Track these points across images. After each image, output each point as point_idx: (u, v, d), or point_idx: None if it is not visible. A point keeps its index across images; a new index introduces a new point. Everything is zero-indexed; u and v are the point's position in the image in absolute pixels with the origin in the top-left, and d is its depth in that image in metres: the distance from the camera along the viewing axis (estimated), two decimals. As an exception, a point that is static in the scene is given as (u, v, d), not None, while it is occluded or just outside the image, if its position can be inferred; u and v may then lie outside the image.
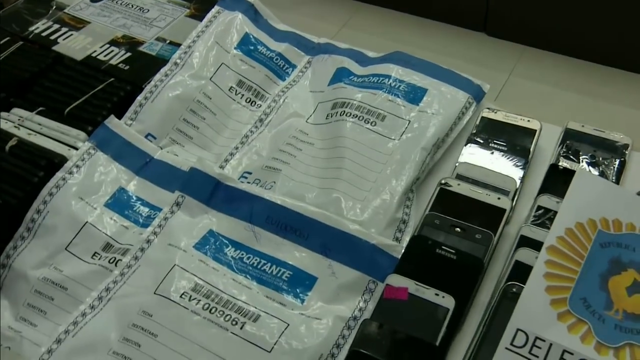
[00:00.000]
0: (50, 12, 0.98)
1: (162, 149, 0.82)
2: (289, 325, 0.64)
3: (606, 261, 0.65)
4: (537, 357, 0.60)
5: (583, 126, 0.82)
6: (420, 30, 2.06)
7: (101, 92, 0.84)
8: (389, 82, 0.85)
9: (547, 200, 0.72)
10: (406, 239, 0.71)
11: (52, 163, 0.75)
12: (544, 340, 0.60)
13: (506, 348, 0.61)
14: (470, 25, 2.13)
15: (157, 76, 0.86)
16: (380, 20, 2.08)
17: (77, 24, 0.96)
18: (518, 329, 0.61)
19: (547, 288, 0.63)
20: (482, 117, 0.84)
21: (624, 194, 0.70)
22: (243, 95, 0.89)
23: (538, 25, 2.01)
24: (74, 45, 0.92)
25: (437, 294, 0.65)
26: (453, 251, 0.68)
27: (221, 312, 0.65)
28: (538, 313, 0.62)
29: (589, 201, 0.68)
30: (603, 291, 0.63)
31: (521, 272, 0.66)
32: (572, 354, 0.60)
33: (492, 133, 0.82)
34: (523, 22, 2.04)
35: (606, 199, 0.68)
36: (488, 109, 0.85)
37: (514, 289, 0.64)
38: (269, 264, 0.70)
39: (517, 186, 0.76)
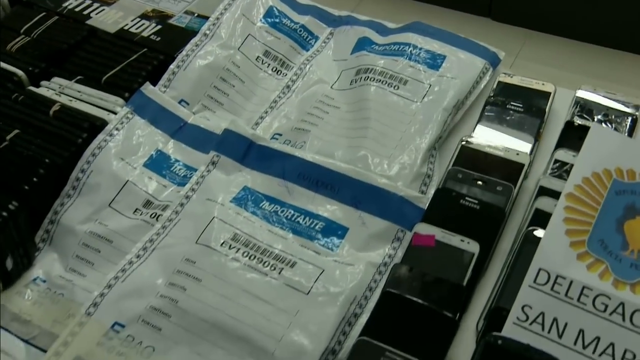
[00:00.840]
0: (82, -12, 1.02)
1: (194, 114, 0.86)
2: (324, 270, 0.69)
3: (621, 207, 0.69)
4: (558, 293, 0.64)
5: (595, 89, 0.86)
6: (426, 16, 2.09)
7: (135, 61, 0.88)
8: (409, 50, 0.89)
9: (564, 154, 0.76)
10: (431, 192, 0.76)
11: (94, 126, 0.80)
12: (564, 278, 0.65)
13: (529, 286, 0.65)
14: (476, 11, 2.18)
15: (188, 46, 0.90)
16: (387, 7, 2.13)
17: (109, 0, 1.00)
18: (540, 269, 0.65)
19: (566, 231, 0.67)
20: (499, 81, 0.88)
21: (638, 146, 0.74)
22: (269, 64, 0.93)
23: (542, 9, 2.05)
24: (106, 20, 0.96)
25: (462, 240, 0.69)
26: (476, 201, 0.73)
27: (260, 259, 0.69)
28: (558, 254, 0.66)
29: (604, 153, 0.72)
30: (619, 234, 0.67)
31: (541, 219, 0.70)
32: (591, 289, 0.64)
33: (509, 95, 0.86)
34: (527, 7, 2.08)
35: (620, 151, 0.72)
36: (504, 73, 0.89)
37: (535, 233, 0.69)
38: (302, 216, 0.74)
39: (532, 146, 0.80)
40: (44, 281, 0.73)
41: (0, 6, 0.98)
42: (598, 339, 0.62)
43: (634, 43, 1.95)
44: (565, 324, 0.63)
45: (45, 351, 0.65)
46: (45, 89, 0.85)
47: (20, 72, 0.87)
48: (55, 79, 0.86)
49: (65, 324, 0.67)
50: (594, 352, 0.61)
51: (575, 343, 0.62)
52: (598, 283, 0.64)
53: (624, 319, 0.62)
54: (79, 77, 0.86)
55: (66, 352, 0.64)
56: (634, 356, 0.60)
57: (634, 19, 1.88)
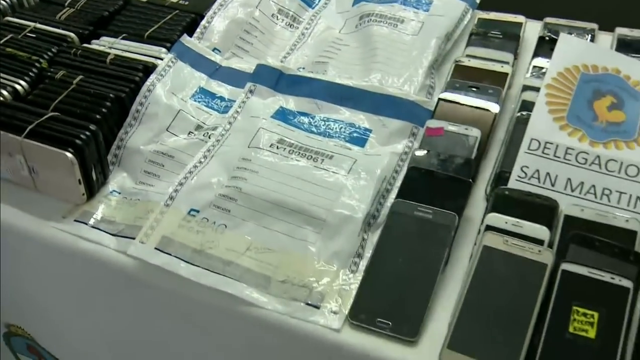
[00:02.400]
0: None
1: (227, 60, 1.01)
2: (356, 160, 0.84)
3: (590, 91, 0.86)
4: (548, 155, 0.80)
5: (558, 19, 1.04)
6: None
7: (170, 20, 1.03)
8: (402, -2, 1.06)
9: (540, 61, 0.93)
10: (435, 99, 0.91)
11: (147, 67, 0.93)
12: (552, 143, 0.81)
13: (525, 152, 0.81)
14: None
15: (214, 6, 1.05)
16: None
17: (135, -24, 1.14)
18: (532, 138, 0.82)
19: (549, 110, 0.84)
20: (479, 18, 1.06)
21: (598, 48, 0.92)
22: (283, 19, 1.09)
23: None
24: (136, -8, 1.11)
25: (466, 129, 0.85)
26: (474, 104, 0.89)
27: (303, 154, 0.84)
28: (545, 126, 0.82)
29: (572, 53, 0.90)
30: (590, 110, 0.84)
31: (528, 106, 0.86)
32: (573, 149, 0.80)
33: (489, 27, 1.03)
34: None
35: (584, 52, 0.90)
36: (483, 12, 1.06)
37: (524, 115, 0.85)
38: (332, 124, 0.89)
39: (513, 60, 0.97)
40: (119, 193, 0.86)
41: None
42: (582, 183, 0.78)
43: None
44: (556, 176, 0.79)
45: (133, 239, 0.78)
46: (97, 46, 0.99)
47: (72, 35, 1.00)
48: (104, 38, 1.00)
49: (147, 218, 0.80)
50: (580, 192, 0.77)
51: (565, 188, 0.78)
52: (578, 144, 0.81)
53: (600, 167, 0.79)
54: (124, 35, 1.00)
55: (154, 233, 0.78)
56: (610, 192, 0.77)
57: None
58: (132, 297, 0.81)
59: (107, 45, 0.99)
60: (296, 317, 0.71)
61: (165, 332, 0.82)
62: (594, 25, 1.03)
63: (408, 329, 0.68)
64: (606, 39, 1.01)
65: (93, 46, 0.99)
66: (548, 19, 1.04)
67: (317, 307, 0.71)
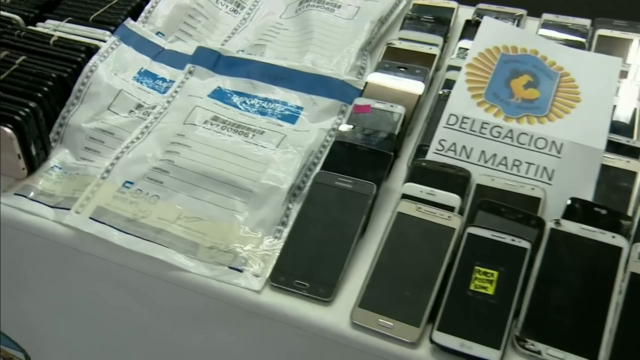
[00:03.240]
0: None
1: (170, 43, 1.04)
2: (286, 135, 0.88)
3: (508, 71, 0.91)
4: (464, 129, 0.85)
5: (490, 5, 1.09)
6: None
7: (116, 5, 1.06)
8: (341, -16, 1.11)
9: (465, 43, 0.98)
10: (365, 79, 0.96)
11: (89, 49, 0.97)
12: (468, 118, 0.86)
13: (443, 127, 0.86)
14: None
15: (160, -9, 1.09)
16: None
17: (84, -36, 1.18)
18: (451, 114, 0.87)
19: (468, 88, 0.89)
20: (414, 3, 1.10)
21: (518, 30, 0.97)
22: (228, 5, 1.12)
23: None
24: (85, -22, 1.14)
25: (391, 106, 0.90)
26: (400, 80, 0.93)
27: (235, 130, 0.88)
28: (463, 103, 0.87)
29: (494, 35, 0.94)
30: (507, 88, 0.89)
31: (450, 85, 0.91)
32: (488, 123, 0.85)
33: (423, 12, 1.07)
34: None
35: (505, 34, 0.95)
36: (418, -2, 1.11)
37: (446, 93, 0.90)
38: (266, 102, 0.93)
39: (442, 43, 1.01)
40: (60, 168, 0.89)
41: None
42: (495, 155, 0.83)
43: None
44: (471, 149, 0.84)
45: (70, 209, 0.82)
46: (42, 28, 1.02)
47: (17, 17, 1.03)
48: (49, 21, 1.03)
49: (84, 191, 0.84)
50: (492, 164, 0.82)
51: (479, 160, 0.83)
52: (493, 119, 0.86)
53: (512, 140, 0.84)
54: (69, 19, 1.04)
55: (89, 204, 0.82)
56: (520, 163, 0.82)
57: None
58: (70, 266, 0.84)
59: (52, 27, 1.02)
60: (220, 280, 0.75)
61: (103, 299, 0.86)
62: (523, 11, 1.08)
63: (324, 290, 0.73)
64: (534, 24, 1.06)
65: (38, 28, 1.02)
66: (481, 5, 1.09)
67: (240, 271, 0.75)
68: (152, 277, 0.78)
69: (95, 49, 0.98)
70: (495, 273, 0.70)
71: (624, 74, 0.93)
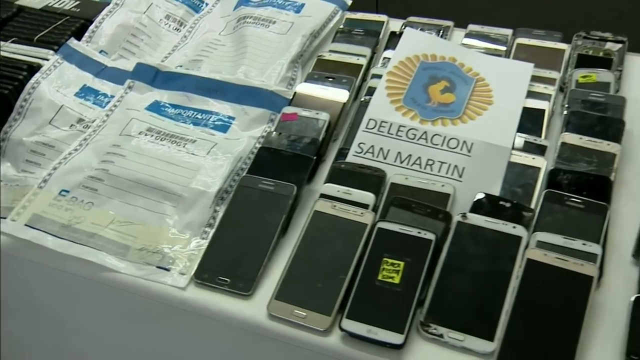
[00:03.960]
0: (9, -18, 1.25)
1: (113, 61, 1.09)
2: (217, 143, 0.93)
3: (426, 77, 0.97)
4: (382, 132, 0.91)
5: (420, 18, 1.15)
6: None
7: (60, 25, 1.12)
8: (278, 2, 1.16)
9: (389, 53, 1.04)
10: (295, 89, 1.01)
11: (32, 67, 1.02)
12: (386, 122, 0.91)
13: (363, 130, 0.91)
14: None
15: (104, 12, 1.14)
16: None
17: (33, -12, 1.23)
18: (370, 118, 0.92)
19: (387, 94, 0.94)
20: (347, 17, 1.16)
21: (438, 40, 1.03)
22: (170, 24, 1.18)
23: None
24: (31, 2, 1.19)
25: (317, 113, 0.95)
26: (325, 91, 0.99)
27: (169, 139, 0.93)
28: (382, 108, 0.93)
29: (414, 45, 1.00)
30: (425, 93, 0.95)
31: (372, 91, 0.96)
32: (405, 126, 0.91)
33: (354, 25, 1.13)
34: None
35: (426, 43, 1.01)
36: (351, 12, 1.17)
37: (367, 100, 0.95)
38: (200, 114, 0.98)
39: (370, 54, 1.07)
40: (1, 181, 0.94)
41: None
42: (410, 156, 0.88)
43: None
44: (388, 150, 0.89)
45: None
46: (-12, 49, 1.07)
47: (-37, 39, 1.08)
48: (-5, 42, 1.09)
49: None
50: (407, 164, 0.87)
51: (395, 161, 0.88)
52: (409, 122, 0.91)
53: (426, 141, 0.89)
54: (13, 39, 1.09)
55: (25, 212, 0.86)
56: (433, 162, 0.87)
57: None
58: (10, 273, 0.88)
59: (-3, 49, 1.07)
60: (148, 278, 0.79)
61: (43, 303, 0.90)
62: (450, 23, 1.14)
63: (244, 285, 0.77)
64: (460, 34, 1.12)
65: (-17, 50, 1.07)
66: (410, 18, 1.15)
67: (168, 270, 0.80)
68: (85, 279, 0.82)
69: (38, 67, 1.02)
70: (402, 263, 0.75)
71: (543, 79, 0.98)
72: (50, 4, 1.18)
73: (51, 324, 0.92)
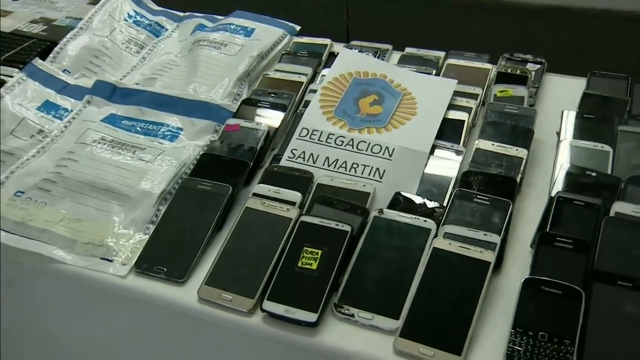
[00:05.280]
0: (-19, 10, 1.35)
1: (76, 79, 1.19)
2: (164, 151, 1.01)
3: (358, 92, 1.06)
4: (313, 140, 0.99)
5: (362, 42, 1.25)
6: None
7: (27, 47, 1.21)
8: (230, 27, 1.27)
9: (327, 70, 1.13)
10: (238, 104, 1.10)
11: (-2, 83, 1.11)
12: (318, 130, 1.00)
13: (296, 138, 1.00)
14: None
15: (68, 35, 1.23)
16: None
17: (4, 14, 1.33)
18: (303, 127, 1.01)
19: (320, 106, 1.04)
20: (294, 41, 1.26)
21: (371, 59, 1.13)
22: (131, 47, 1.28)
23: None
24: (3, 26, 1.29)
25: (258, 123, 1.04)
26: (267, 103, 1.08)
27: (120, 146, 1.01)
28: (314, 118, 1.02)
29: (348, 63, 1.10)
30: (355, 105, 1.04)
31: (307, 104, 1.06)
32: (334, 134, 0.99)
33: (300, 49, 1.23)
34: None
35: (359, 62, 1.11)
36: (299, 37, 1.27)
37: (302, 111, 1.04)
38: (151, 125, 1.07)
39: (312, 73, 1.17)
40: (-36, 184, 1.01)
41: None
42: (337, 160, 0.97)
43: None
44: (318, 156, 0.98)
45: (-33, 217, 0.94)
46: (-42, 68, 1.16)
47: (-64, 59, 1.18)
48: (-36, 62, 1.18)
49: (-19, 201, 0.96)
50: (334, 167, 0.96)
51: (323, 164, 0.97)
52: (339, 131, 1.00)
53: (352, 147, 0.98)
54: (-18, 59, 1.18)
55: (-18, 210, 0.93)
56: (358, 165, 0.96)
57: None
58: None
59: (-34, 68, 1.16)
60: (92, 269, 0.87)
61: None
62: (389, 46, 1.24)
63: (179, 273, 0.85)
64: (398, 55, 1.22)
65: (-46, 69, 1.16)
66: (353, 42, 1.25)
67: (111, 261, 0.87)
68: (36, 272, 0.90)
69: (3, 83, 1.11)
70: (320, 252, 0.83)
71: (467, 94, 1.08)
72: (19, 28, 1.28)
73: (4, 314, 0.98)
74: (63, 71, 1.19)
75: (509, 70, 1.12)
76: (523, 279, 0.78)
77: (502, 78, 1.11)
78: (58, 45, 1.22)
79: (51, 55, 1.20)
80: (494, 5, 1.95)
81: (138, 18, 1.32)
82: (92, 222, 0.92)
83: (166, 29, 1.33)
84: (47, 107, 1.12)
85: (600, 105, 1.04)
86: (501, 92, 1.07)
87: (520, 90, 1.07)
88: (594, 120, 1.01)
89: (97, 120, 1.07)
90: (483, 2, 1.96)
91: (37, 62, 1.17)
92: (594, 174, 0.91)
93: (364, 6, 2.12)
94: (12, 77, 1.13)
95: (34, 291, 0.94)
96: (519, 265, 0.84)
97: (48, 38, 1.24)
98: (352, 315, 0.79)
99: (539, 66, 1.15)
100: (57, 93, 1.15)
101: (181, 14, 1.37)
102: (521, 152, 0.95)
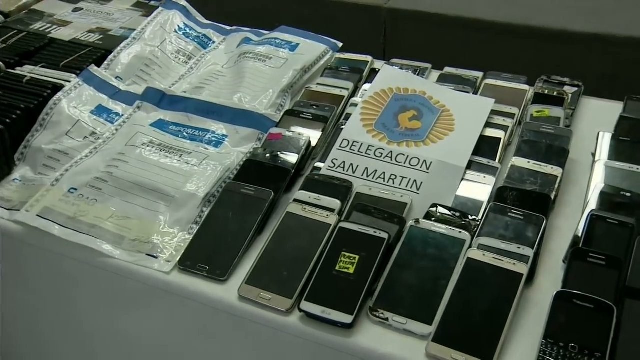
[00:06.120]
0: (43, 18, 1.42)
1: (127, 86, 1.24)
2: (209, 156, 1.06)
3: (398, 107, 1.10)
4: (353, 151, 1.03)
5: (402, 60, 1.29)
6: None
7: (84, 54, 1.27)
8: (275, 41, 1.32)
9: (368, 85, 1.17)
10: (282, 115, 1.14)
11: (56, 87, 1.17)
12: (358, 142, 1.04)
13: (337, 149, 1.03)
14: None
15: (122, 44, 1.30)
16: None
17: (63, 24, 1.40)
18: (344, 139, 1.04)
19: (361, 119, 1.07)
20: (336, 57, 1.31)
21: (412, 76, 1.17)
22: (180, 58, 1.33)
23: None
24: (62, 34, 1.36)
25: (299, 134, 1.08)
26: (310, 115, 1.12)
27: (167, 150, 1.06)
28: (355, 130, 1.05)
29: (389, 79, 1.14)
30: (395, 120, 1.07)
31: (348, 117, 1.09)
32: (373, 146, 1.03)
33: (341, 64, 1.27)
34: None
35: (400, 79, 1.14)
36: (341, 53, 1.31)
37: (344, 123, 1.08)
38: (197, 131, 1.12)
39: (353, 87, 1.20)
40: (20, 180, 1.07)
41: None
42: (375, 171, 1.00)
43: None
44: (357, 166, 1.01)
45: (22, 210, 0.99)
46: (19, 71, 1.22)
47: (0, 63, 1.24)
48: (26, 66, 1.24)
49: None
50: (373, 177, 0.99)
51: (362, 175, 1.00)
52: (378, 143, 1.03)
53: (391, 159, 1.01)
54: (42, 64, 1.24)
55: (37, 205, 0.99)
56: (396, 177, 0.99)
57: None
58: (20, 258, 1.01)
59: (27, 71, 1.22)
60: (138, 264, 0.91)
61: (46, 287, 1.01)
62: (428, 65, 1.28)
63: (220, 272, 0.88)
64: (437, 74, 1.25)
65: (16, 71, 1.22)
66: (393, 60, 1.29)
67: (156, 257, 0.91)
68: (84, 264, 0.94)
69: (61, 87, 1.17)
70: (357, 257, 0.86)
71: (504, 113, 1.10)
72: (77, 37, 1.34)
73: (49, 306, 1.03)
74: (116, 78, 1.25)
75: (547, 92, 1.14)
76: (555, 292, 0.80)
77: (539, 99, 1.13)
78: (112, 54, 1.28)
79: (105, 62, 1.26)
80: (528, 30, 1.98)
81: (187, 30, 1.38)
82: (139, 220, 0.97)
83: (213, 42, 1.39)
84: (100, 111, 1.18)
85: (636, 128, 1.06)
86: (538, 112, 1.10)
87: (556, 111, 1.09)
88: (629, 142, 1.02)
89: (146, 125, 1.12)
90: (516, 25, 1.99)
91: (93, 68, 1.23)
92: (628, 194, 0.92)
93: (401, 27, 2.17)
94: (69, 82, 1.19)
95: (80, 284, 0.99)
96: (550, 278, 0.86)
97: (103, 47, 1.30)
98: (387, 319, 0.81)
99: (575, 89, 1.17)
100: (110, 98, 1.21)
101: (228, 27, 1.43)
102: (556, 171, 0.97)
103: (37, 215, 0.97)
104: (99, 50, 1.29)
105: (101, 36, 1.35)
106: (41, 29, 1.38)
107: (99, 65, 1.26)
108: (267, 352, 0.89)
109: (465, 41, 2.05)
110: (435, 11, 2.10)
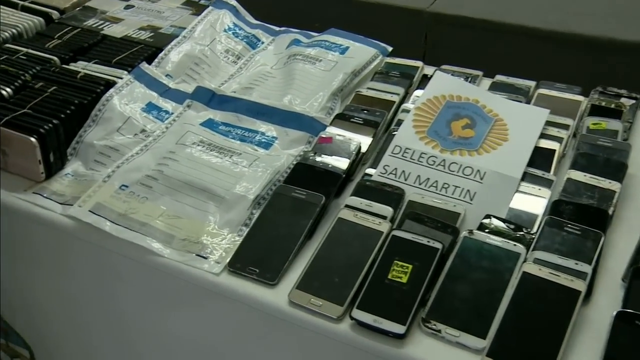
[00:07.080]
0: (97, 15, 1.43)
1: (177, 84, 1.25)
2: (259, 157, 1.05)
3: (450, 114, 1.08)
4: (406, 158, 1.02)
5: (452, 67, 1.27)
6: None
7: (135, 52, 1.28)
8: (324, 44, 1.31)
9: (420, 91, 1.16)
10: (331, 118, 1.14)
11: (108, 83, 1.18)
12: (410, 149, 1.02)
13: (389, 155, 1.02)
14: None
15: (172, 42, 1.30)
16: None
17: (116, 20, 1.41)
18: (396, 145, 1.03)
19: (413, 126, 1.06)
20: (386, 61, 1.29)
21: (464, 84, 1.15)
22: (229, 57, 1.33)
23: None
24: (114, 31, 1.37)
25: (350, 138, 1.07)
26: (361, 120, 1.11)
27: (217, 150, 1.06)
28: (407, 137, 1.04)
29: (442, 86, 1.12)
30: (447, 128, 1.06)
31: (400, 123, 1.08)
32: (426, 154, 1.02)
33: (391, 69, 1.26)
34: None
35: (453, 86, 1.13)
36: (390, 57, 1.30)
37: (396, 129, 1.07)
38: (247, 132, 1.11)
39: (403, 93, 1.19)
40: (72, 175, 1.08)
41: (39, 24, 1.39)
42: (428, 179, 0.99)
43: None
44: (409, 173, 1.00)
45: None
46: (73, 67, 1.24)
47: (55, 58, 1.25)
48: (80, 62, 1.25)
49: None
50: (425, 185, 0.98)
51: (414, 182, 0.99)
52: (431, 151, 1.02)
53: (444, 168, 1.00)
54: (95, 60, 1.25)
55: (90, 200, 0.99)
56: (449, 186, 0.97)
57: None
58: (70, 253, 1.01)
59: (81, 66, 1.23)
60: (188, 264, 0.91)
61: (92, 281, 1.02)
62: (480, 72, 1.26)
63: (270, 275, 0.88)
64: (488, 82, 1.23)
65: (70, 67, 1.23)
66: (444, 66, 1.27)
67: (205, 258, 0.91)
68: (133, 261, 0.95)
69: (113, 83, 1.18)
70: (410, 266, 0.85)
71: (558, 125, 1.08)
72: (129, 34, 1.35)
73: (95, 301, 1.04)
74: (166, 75, 1.25)
75: (604, 104, 1.12)
76: (615, 312, 0.78)
77: (595, 111, 1.10)
78: (162, 52, 1.28)
79: (156, 60, 1.27)
80: (574, 38, 1.94)
81: (237, 30, 1.38)
82: (189, 220, 0.97)
83: (262, 42, 1.39)
84: (150, 108, 1.18)
85: (697, 144, 1.03)
86: (594, 124, 1.07)
87: (614, 124, 1.07)
88: (691, 158, 1.00)
89: (196, 124, 1.13)
90: (561, 33, 1.96)
91: (144, 66, 1.24)
92: (690, 212, 0.90)
93: (442, 32, 2.14)
94: (121, 78, 1.20)
95: (127, 281, 0.99)
96: (608, 297, 0.84)
97: (154, 44, 1.31)
98: (439, 331, 0.80)
99: (633, 101, 1.14)
100: (160, 96, 1.21)
101: (277, 28, 1.42)
102: (614, 185, 0.95)
103: (90, 211, 0.98)
104: (150, 48, 1.29)
105: (152, 34, 1.35)
106: (94, 26, 1.39)
107: (149, 63, 1.26)
108: (315, 359, 0.88)
109: (507, 48, 2.02)
110: (479, 16, 2.08)
